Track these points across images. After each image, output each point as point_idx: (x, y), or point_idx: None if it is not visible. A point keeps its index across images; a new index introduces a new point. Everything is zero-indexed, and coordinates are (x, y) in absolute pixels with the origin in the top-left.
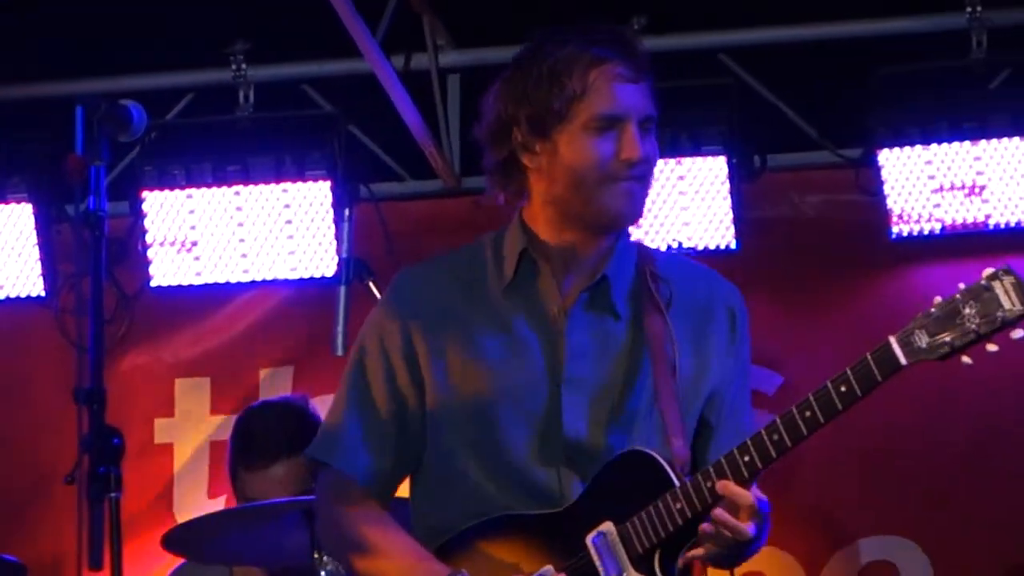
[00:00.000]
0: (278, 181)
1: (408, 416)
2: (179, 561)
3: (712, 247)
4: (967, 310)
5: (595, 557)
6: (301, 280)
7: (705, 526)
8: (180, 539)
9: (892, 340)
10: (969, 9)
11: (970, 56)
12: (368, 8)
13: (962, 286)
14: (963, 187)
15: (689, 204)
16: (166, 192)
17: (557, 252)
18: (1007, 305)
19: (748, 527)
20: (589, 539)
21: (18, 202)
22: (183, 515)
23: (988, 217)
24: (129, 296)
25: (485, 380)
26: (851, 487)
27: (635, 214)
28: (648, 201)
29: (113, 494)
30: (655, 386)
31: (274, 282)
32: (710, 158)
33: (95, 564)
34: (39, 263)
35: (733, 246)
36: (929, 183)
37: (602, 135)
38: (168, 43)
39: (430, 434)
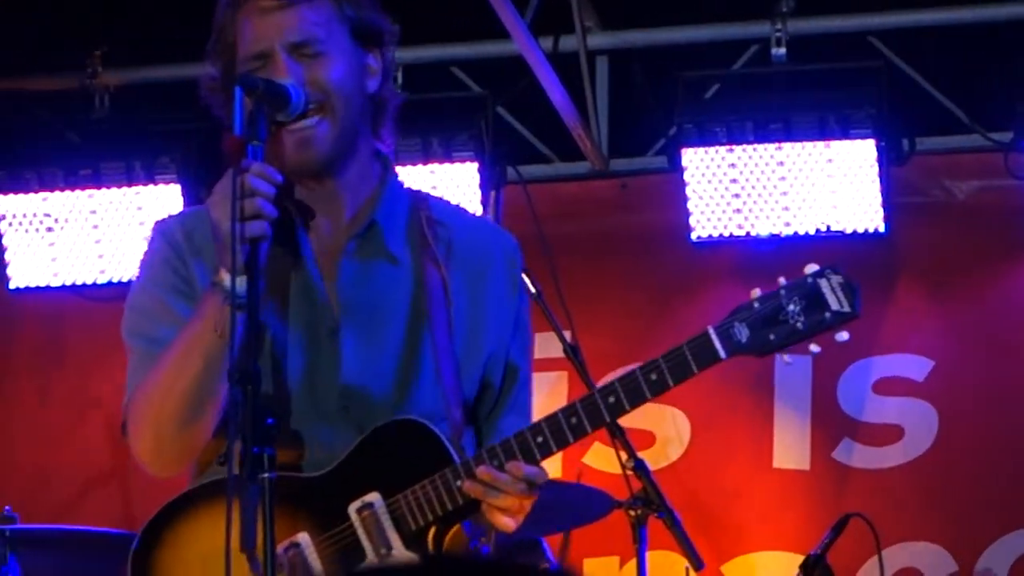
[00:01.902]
0: (426, 163)
1: None
2: None
3: (860, 231)
4: (791, 307)
5: (359, 529)
6: None
7: (468, 484)
8: None
9: (711, 331)
10: None
11: None
12: None
13: (783, 280)
14: None
15: (838, 188)
16: None
17: (308, 198)
18: (834, 306)
19: (519, 486)
20: (352, 509)
21: (167, 183)
22: None
23: None
24: None
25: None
26: (1004, 480)
27: (313, 156)
28: (797, 184)
29: (266, 475)
30: (435, 342)
31: None
32: (859, 141)
33: (248, 545)
34: None
35: (882, 230)
36: None
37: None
38: None
39: None
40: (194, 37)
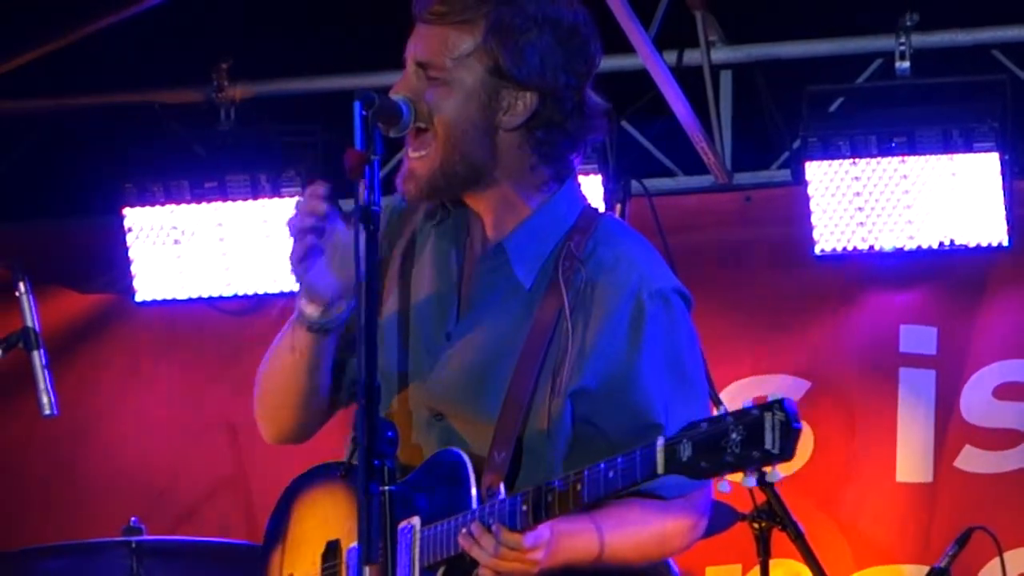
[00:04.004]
0: None
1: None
2: None
3: (984, 244)
4: (733, 435)
5: (399, 550)
6: None
7: (462, 537)
8: None
9: (659, 444)
10: None
11: None
12: (641, 4)
13: (748, 404)
14: None
15: (961, 201)
16: None
17: (458, 212)
18: (767, 445)
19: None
20: (400, 527)
21: (292, 196)
22: None
23: None
24: None
25: (395, 325)
26: None
27: (410, 189)
28: (920, 197)
29: (387, 487)
30: (513, 378)
31: None
32: (982, 154)
33: (371, 557)
34: None
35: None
36: None
37: None
38: None
39: None
40: (318, 50)
